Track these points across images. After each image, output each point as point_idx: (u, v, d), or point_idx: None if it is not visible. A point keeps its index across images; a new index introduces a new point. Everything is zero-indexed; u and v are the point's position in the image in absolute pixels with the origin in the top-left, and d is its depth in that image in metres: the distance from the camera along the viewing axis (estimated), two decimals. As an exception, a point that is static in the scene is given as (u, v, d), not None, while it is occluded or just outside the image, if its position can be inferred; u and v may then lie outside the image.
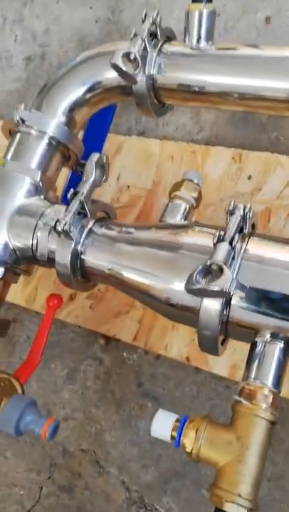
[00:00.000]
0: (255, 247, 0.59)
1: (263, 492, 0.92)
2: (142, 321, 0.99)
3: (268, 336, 0.59)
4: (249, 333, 0.60)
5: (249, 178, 0.93)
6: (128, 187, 1.03)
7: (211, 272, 0.52)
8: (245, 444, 0.56)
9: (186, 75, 0.68)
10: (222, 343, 0.64)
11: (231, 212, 0.56)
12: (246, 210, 0.56)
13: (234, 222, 0.55)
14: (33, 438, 1.15)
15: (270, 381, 0.58)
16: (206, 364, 0.92)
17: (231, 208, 0.56)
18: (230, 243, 0.54)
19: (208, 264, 0.52)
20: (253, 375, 0.59)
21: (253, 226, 0.64)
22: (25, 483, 1.17)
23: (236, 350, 0.85)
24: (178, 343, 0.95)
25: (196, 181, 0.72)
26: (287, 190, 0.89)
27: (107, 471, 1.07)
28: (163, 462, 1.01)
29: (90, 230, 0.70)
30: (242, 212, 0.56)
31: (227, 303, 0.57)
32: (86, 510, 1.09)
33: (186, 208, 0.71)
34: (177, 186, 0.73)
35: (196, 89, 0.67)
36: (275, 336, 0.59)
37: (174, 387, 1.01)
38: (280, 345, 0.58)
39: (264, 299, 0.57)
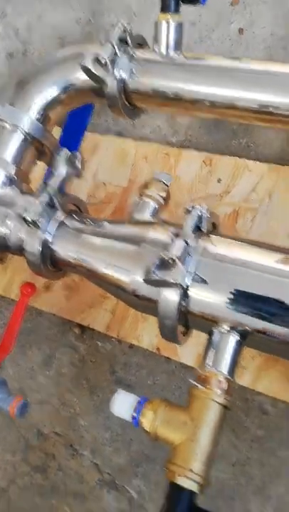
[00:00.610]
0: (214, 245, 0.63)
1: (228, 475, 0.97)
2: (114, 311, 1.03)
3: (226, 327, 0.62)
4: (208, 325, 0.64)
5: (219, 181, 0.97)
6: (104, 184, 1.07)
7: (167, 265, 0.56)
8: (198, 425, 0.60)
9: (155, 81, 0.71)
10: (185, 334, 0.68)
11: (188, 212, 0.60)
12: (203, 210, 0.60)
13: (190, 221, 0.59)
14: (9, 420, 1.18)
15: (224, 369, 0.62)
16: (175, 354, 0.97)
17: (189, 208, 0.60)
18: (186, 240, 0.58)
19: (162, 257, 0.56)
20: (210, 362, 0.63)
21: (215, 226, 0.68)
22: (1, 463, 1.21)
23: (202, 340, 0.90)
24: (149, 333, 0.99)
25: (165, 182, 0.76)
26: (254, 193, 0.93)
27: (81, 453, 1.11)
28: (134, 446, 1.06)
29: (59, 221, 0.73)
30: (199, 213, 0.60)
31: (185, 294, 0.61)
32: (59, 490, 1.13)
33: (154, 207, 0.74)
34: (147, 185, 0.76)
35: (166, 94, 0.71)
36: (232, 328, 0.62)
37: (146, 375, 1.05)
38: (236, 337, 0.62)
39: (221, 294, 0.61)
